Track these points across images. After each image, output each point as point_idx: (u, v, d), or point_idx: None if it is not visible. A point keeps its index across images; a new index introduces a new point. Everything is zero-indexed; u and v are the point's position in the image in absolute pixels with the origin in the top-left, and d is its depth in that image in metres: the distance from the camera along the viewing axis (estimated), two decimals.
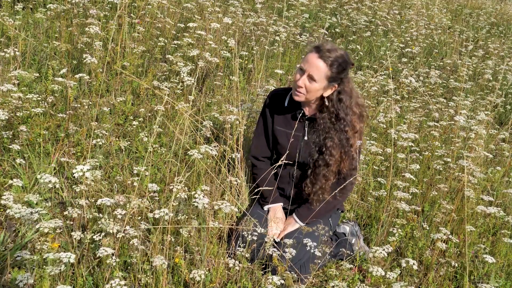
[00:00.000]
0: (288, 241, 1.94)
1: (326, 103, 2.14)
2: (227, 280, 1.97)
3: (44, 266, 1.58)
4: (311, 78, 2.04)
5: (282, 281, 1.70)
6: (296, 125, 2.20)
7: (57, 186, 2.04)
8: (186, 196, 2.04)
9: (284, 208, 2.35)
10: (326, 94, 2.11)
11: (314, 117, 2.20)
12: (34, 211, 1.65)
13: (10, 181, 1.95)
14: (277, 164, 2.20)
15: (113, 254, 1.69)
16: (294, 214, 2.27)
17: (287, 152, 2.17)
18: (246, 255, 1.90)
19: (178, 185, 1.94)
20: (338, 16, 6.25)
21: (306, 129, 2.22)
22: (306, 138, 2.22)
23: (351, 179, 2.20)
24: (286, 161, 2.17)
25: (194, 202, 1.84)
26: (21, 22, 3.48)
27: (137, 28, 3.57)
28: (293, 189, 2.29)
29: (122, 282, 1.51)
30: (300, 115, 2.20)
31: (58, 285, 1.55)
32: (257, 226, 2.01)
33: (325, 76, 2.04)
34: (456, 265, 2.23)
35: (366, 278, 2.15)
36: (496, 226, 2.71)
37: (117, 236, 1.76)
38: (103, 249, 1.63)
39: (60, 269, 1.55)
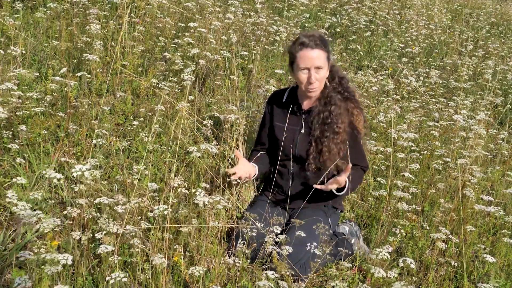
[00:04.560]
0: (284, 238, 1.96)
1: (328, 82, 2.26)
2: (227, 280, 1.97)
3: (43, 266, 1.58)
4: (318, 68, 2.18)
5: (277, 275, 1.71)
6: (293, 119, 2.30)
7: (62, 182, 2.04)
8: (186, 192, 2.04)
9: (283, 208, 2.35)
10: (328, 73, 2.26)
11: (310, 109, 2.29)
12: (36, 211, 1.65)
13: (14, 179, 1.94)
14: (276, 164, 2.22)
15: (113, 253, 1.69)
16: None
17: (284, 146, 2.26)
18: (246, 251, 1.90)
19: (179, 181, 1.95)
20: (338, 16, 6.24)
21: (303, 123, 2.29)
22: (303, 131, 2.28)
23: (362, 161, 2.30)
24: (285, 157, 2.25)
25: (195, 199, 1.84)
26: (21, 21, 3.48)
27: (137, 28, 3.57)
28: (290, 185, 2.31)
29: (122, 275, 1.52)
30: (298, 109, 2.31)
31: (57, 285, 1.54)
32: (257, 225, 2.01)
33: (325, 58, 2.21)
34: (456, 265, 2.22)
35: (366, 278, 2.15)
36: (496, 226, 2.71)
37: (117, 233, 1.76)
38: (104, 247, 1.63)
39: (58, 269, 1.54)
